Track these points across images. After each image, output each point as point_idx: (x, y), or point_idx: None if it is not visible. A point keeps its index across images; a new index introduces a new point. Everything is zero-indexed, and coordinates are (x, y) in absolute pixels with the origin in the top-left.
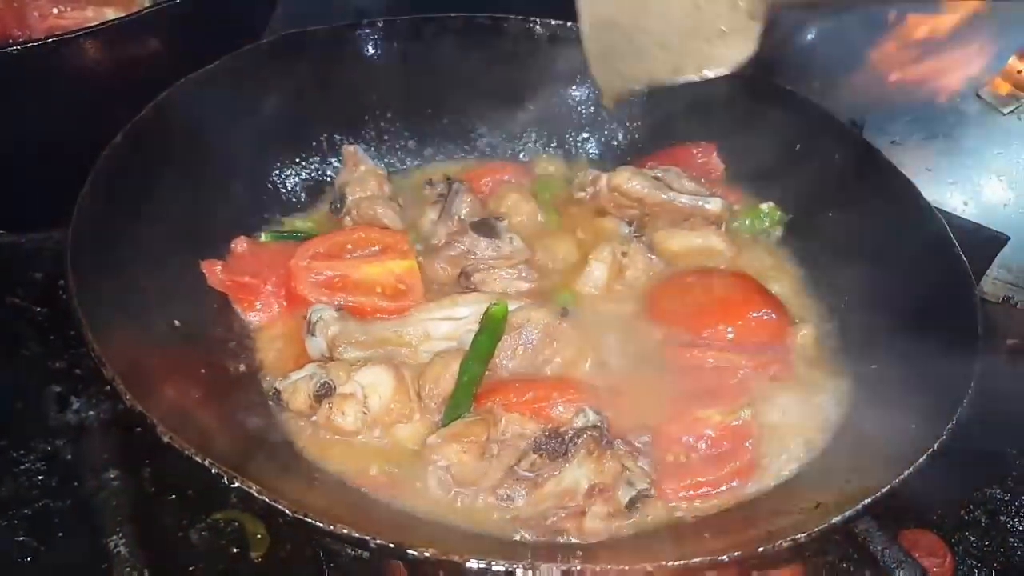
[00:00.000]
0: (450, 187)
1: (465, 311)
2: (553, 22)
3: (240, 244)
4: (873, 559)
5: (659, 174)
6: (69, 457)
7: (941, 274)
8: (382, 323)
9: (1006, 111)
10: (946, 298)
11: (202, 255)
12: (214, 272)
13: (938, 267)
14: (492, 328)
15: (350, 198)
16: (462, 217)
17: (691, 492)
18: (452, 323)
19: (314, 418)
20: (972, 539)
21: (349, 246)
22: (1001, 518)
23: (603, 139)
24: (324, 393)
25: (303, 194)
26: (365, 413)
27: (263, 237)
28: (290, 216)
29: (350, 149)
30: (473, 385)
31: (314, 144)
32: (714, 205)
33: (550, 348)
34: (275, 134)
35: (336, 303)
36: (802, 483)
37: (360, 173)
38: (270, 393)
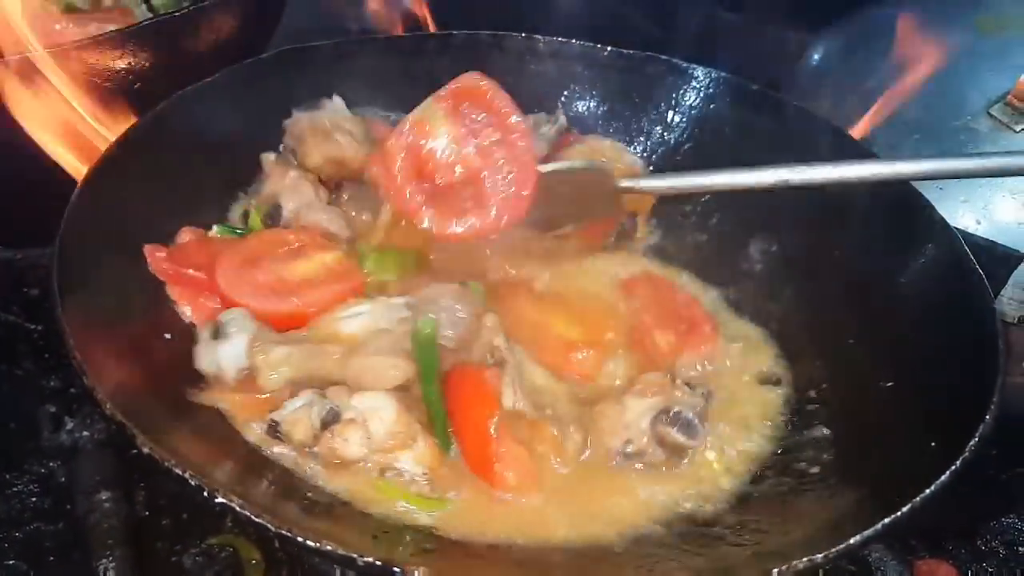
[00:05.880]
0: None
1: (365, 307)
2: (558, 40)
3: (186, 234)
4: None
5: None
6: (62, 479)
7: (958, 290)
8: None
9: (1018, 129)
10: (964, 314)
11: None
12: (156, 258)
13: (955, 283)
14: (426, 346)
15: (287, 208)
16: None
17: None
18: (359, 319)
19: (315, 449)
20: (989, 570)
21: (272, 247)
22: (1019, 548)
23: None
24: (331, 420)
25: None
26: (369, 439)
27: (213, 230)
28: None
29: (270, 157)
30: (441, 402)
31: None
32: None
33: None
34: (272, 149)
35: (291, 305)
36: (812, 501)
37: (291, 180)
38: (266, 426)
